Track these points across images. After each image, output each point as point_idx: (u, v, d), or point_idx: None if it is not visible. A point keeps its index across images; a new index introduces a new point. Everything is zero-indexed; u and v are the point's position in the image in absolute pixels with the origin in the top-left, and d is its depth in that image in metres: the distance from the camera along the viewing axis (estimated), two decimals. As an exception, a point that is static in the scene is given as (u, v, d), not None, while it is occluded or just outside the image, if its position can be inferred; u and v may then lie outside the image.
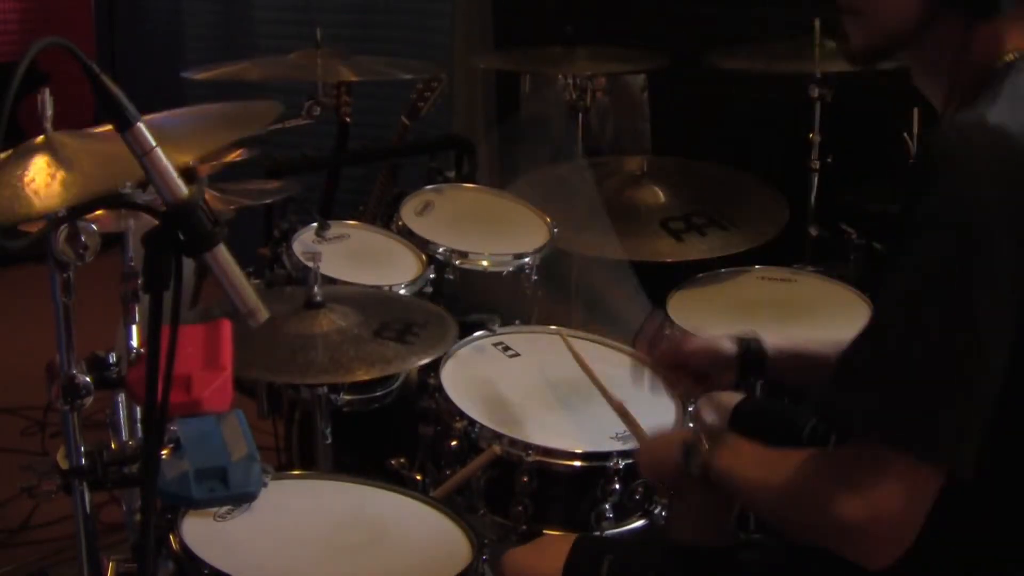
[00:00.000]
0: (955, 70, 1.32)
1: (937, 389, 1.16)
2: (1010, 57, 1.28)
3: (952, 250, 1.16)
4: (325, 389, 2.01)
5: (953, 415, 1.15)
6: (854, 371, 1.23)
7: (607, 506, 1.78)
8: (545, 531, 1.78)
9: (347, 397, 2.14)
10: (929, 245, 1.18)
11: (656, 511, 1.84)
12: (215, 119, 1.48)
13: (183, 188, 1.07)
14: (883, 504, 1.16)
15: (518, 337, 2.15)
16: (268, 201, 2.62)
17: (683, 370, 1.75)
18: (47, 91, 1.26)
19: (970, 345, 1.15)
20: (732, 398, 1.88)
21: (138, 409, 1.54)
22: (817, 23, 2.66)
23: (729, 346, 1.70)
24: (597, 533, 1.77)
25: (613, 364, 2.02)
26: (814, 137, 2.79)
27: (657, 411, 1.89)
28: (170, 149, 1.09)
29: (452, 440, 1.86)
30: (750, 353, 1.69)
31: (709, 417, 1.87)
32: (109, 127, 1.08)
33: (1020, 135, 1.18)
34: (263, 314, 1.12)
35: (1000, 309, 1.15)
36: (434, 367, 1.96)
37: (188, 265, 1.08)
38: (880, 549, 1.18)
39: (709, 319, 2.26)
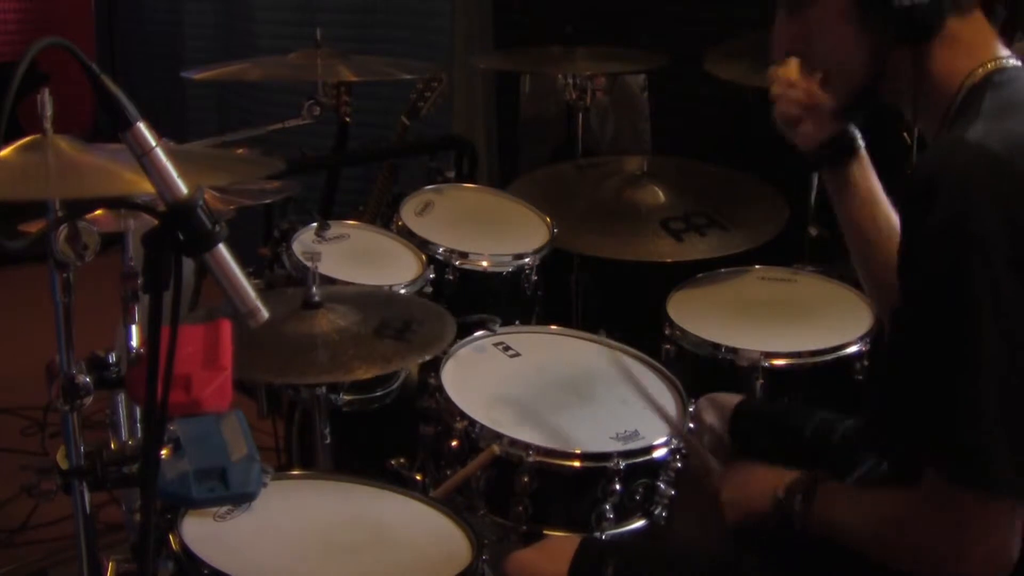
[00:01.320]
0: (927, 98, 1.34)
1: (984, 424, 1.17)
2: (981, 72, 1.29)
3: (956, 268, 1.16)
4: (324, 389, 2.01)
5: (1005, 447, 1.17)
6: (896, 410, 1.26)
7: (607, 506, 1.77)
8: (545, 531, 1.78)
9: (347, 397, 2.14)
10: (933, 267, 1.19)
11: (656, 512, 1.83)
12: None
13: (183, 188, 1.07)
14: (968, 541, 1.19)
15: (518, 337, 2.14)
16: (268, 201, 2.62)
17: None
18: (47, 91, 1.26)
19: (992, 365, 1.16)
20: (732, 399, 1.87)
21: (138, 409, 1.54)
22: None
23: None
24: (597, 534, 1.76)
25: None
26: (814, 137, 2.78)
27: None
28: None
29: (452, 440, 1.85)
30: None
31: (709, 418, 1.86)
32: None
33: (1001, 150, 1.18)
34: (263, 314, 1.12)
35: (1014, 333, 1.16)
36: (434, 367, 1.96)
37: (188, 265, 1.08)
38: None
39: (709, 319, 2.26)
